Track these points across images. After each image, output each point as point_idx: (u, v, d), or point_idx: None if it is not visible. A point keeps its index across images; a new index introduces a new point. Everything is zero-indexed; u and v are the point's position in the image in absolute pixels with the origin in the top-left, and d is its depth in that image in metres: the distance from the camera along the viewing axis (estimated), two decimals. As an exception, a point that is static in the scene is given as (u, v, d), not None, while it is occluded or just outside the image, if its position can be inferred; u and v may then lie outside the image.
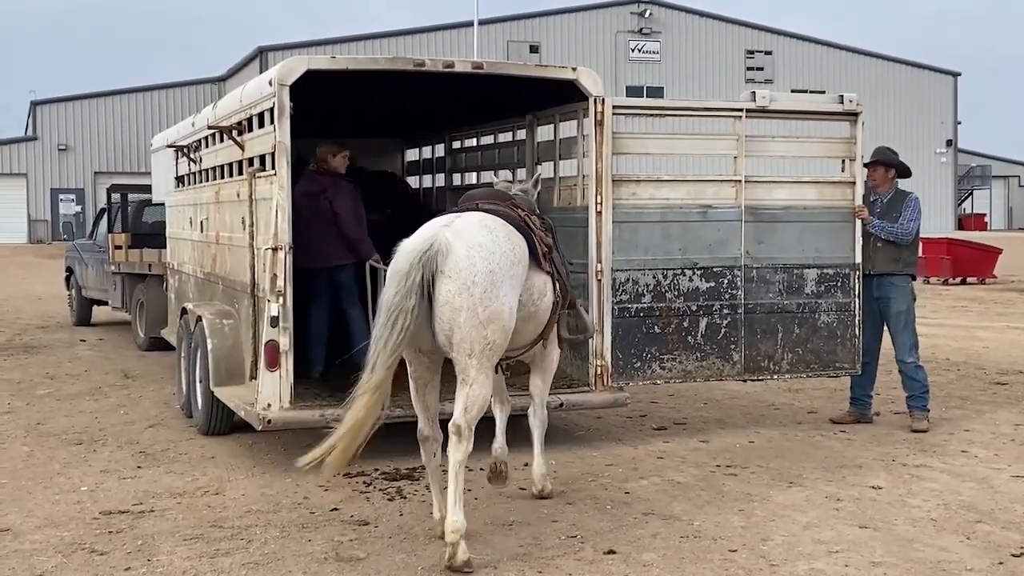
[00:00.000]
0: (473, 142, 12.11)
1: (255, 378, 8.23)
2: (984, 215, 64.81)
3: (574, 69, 8.69)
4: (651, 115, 9.90)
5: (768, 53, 56.72)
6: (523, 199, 7.25)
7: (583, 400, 8.74)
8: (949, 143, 60.36)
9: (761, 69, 56.01)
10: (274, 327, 7.92)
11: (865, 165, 9.68)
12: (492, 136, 11.44)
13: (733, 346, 9.04)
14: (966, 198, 65.46)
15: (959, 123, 61.28)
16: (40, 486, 7.77)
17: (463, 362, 6.17)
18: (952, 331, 17.33)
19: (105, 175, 48.50)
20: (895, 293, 9.65)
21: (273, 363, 7.97)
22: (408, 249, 6.15)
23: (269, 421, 7.91)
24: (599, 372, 8.72)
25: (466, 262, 6.09)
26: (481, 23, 45.55)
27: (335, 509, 7.08)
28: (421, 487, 7.55)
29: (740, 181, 9.07)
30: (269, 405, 7.98)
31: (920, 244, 9.86)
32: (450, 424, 6.14)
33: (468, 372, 6.17)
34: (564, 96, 9.07)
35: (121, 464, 8.39)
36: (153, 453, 8.78)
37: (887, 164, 9.75)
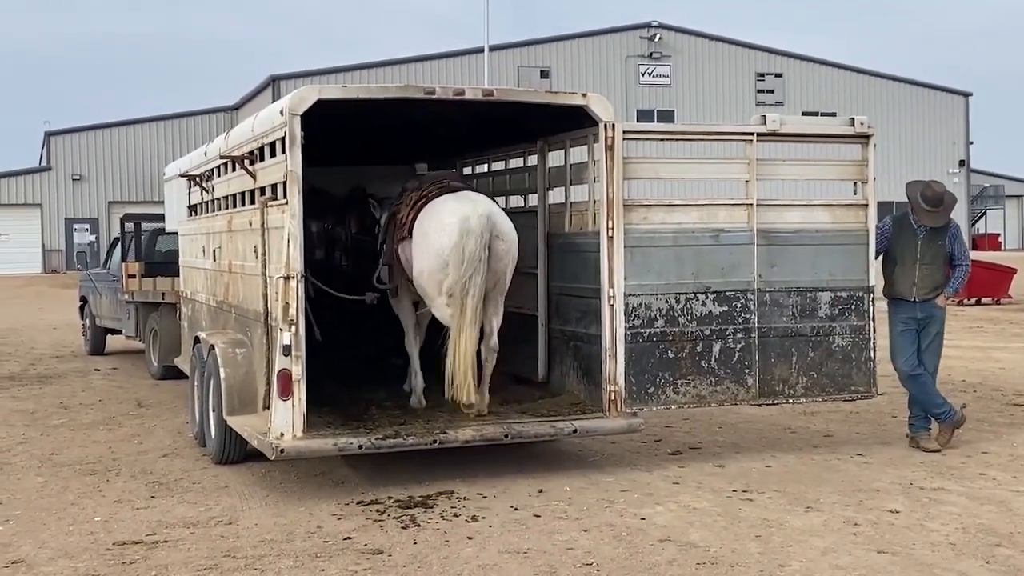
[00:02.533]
0: (484, 168, 12.13)
1: (268, 407, 8.20)
2: (998, 235, 64.60)
3: (584, 95, 8.70)
4: (662, 140, 9.89)
5: (778, 75, 56.80)
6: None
7: (596, 426, 8.70)
8: (962, 163, 60.28)
9: (772, 92, 56.06)
10: (287, 355, 7.91)
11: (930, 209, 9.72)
12: (503, 162, 11.44)
13: (747, 370, 8.99)
14: (980, 218, 65.30)
15: (971, 143, 61.22)
16: (54, 517, 7.76)
17: (498, 300, 8.93)
18: (968, 352, 17.23)
19: (119, 204, 48.65)
20: (939, 314, 9.80)
21: (286, 392, 7.95)
22: (476, 215, 8.56)
23: (282, 451, 7.87)
24: (612, 397, 8.68)
25: (506, 227, 8.83)
26: (492, 49, 45.50)
27: (348, 538, 7.03)
28: (435, 515, 7.51)
29: (752, 205, 9.04)
30: (282, 434, 7.95)
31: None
32: (492, 341, 8.98)
33: (500, 305, 8.97)
34: (575, 121, 9.07)
35: (135, 494, 8.38)
36: (167, 483, 8.76)
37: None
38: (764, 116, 9.17)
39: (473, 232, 8.45)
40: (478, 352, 8.74)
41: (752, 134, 9.11)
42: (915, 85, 60.02)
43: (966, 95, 61.30)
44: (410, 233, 9.02)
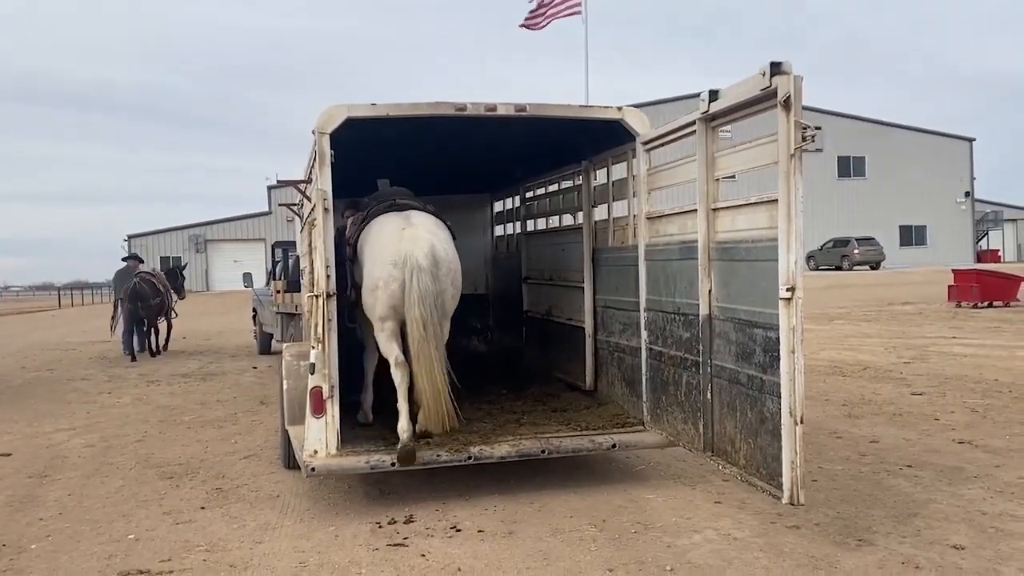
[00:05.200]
0: (531, 193, 9.67)
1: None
2: (998, 250, 58.94)
3: (619, 108, 6.30)
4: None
5: (818, 128, 52.58)
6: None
7: (636, 440, 6.25)
8: (967, 194, 55.14)
9: (812, 140, 51.87)
10: (313, 374, 5.74)
11: None
12: (543, 188, 9.02)
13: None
14: (982, 237, 59.68)
15: (974, 178, 55.94)
16: (94, 531, 5.69)
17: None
18: (994, 351, 14.06)
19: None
20: None
21: (318, 409, 5.77)
22: (422, 253, 5.97)
23: (313, 469, 5.69)
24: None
25: (443, 255, 6.10)
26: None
27: (359, 574, 4.80)
28: (456, 542, 5.20)
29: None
30: (316, 452, 5.77)
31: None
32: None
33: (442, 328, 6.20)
34: (609, 137, 6.67)
35: (189, 504, 6.27)
36: (228, 489, 6.64)
37: None
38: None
39: (424, 269, 5.90)
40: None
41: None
42: (930, 134, 55.07)
43: (970, 140, 56.04)
44: (354, 255, 6.53)
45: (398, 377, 6.08)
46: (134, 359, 16.26)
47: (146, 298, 16.23)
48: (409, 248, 5.95)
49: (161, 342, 17.36)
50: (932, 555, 4.82)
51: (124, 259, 18.14)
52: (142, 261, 18.61)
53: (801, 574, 4.58)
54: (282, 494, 6.45)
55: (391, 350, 6.12)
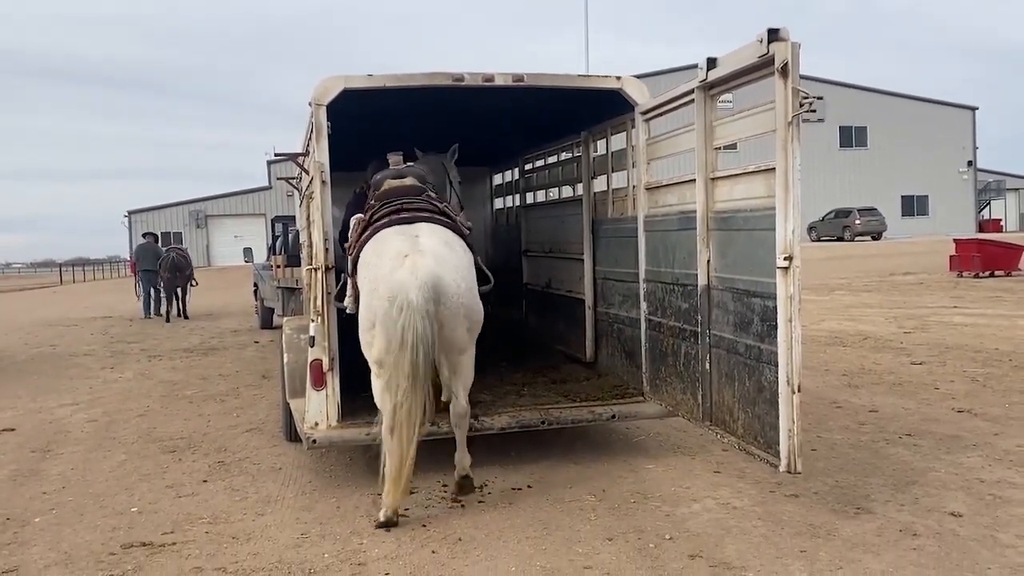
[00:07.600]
0: (529, 166, 9.61)
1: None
2: (1000, 220, 58.73)
3: (618, 78, 6.24)
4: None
5: (819, 98, 52.21)
6: (429, 177, 6.13)
7: (635, 411, 6.26)
8: (969, 163, 54.86)
9: (814, 111, 51.59)
10: (313, 346, 5.75)
11: None
12: (542, 160, 8.97)
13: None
14: (985, 207, 59.47)
15: (977, 148, 55.64)
16: (97, 504, 5.73)
17: (456, 360, 5.35)
18: (994, 320, 14.06)
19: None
20: None
21: (318, 382, 5.78)
22: (416, 286, 4.88)
23: (314, 441, 5.71)
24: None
25: (451, 287, 5.05)
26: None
27: (362, 543, 4.82)
28: (459, 515, 5.24)
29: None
30: (316, 424, 5.80)
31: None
32: (459, 405, 5.40)
33: (462, 365, 5.41)
34: (610, 107, 6.61)
35: (192, 477, 6.31)
36: (230, 463, 6.68)
37: None
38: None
39: (415, 309, 4.78)
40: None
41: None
42: (932, 103, 54.72)
43: (973, 109, 55.68)
44: (354, 268, 5.37)
45: (390, 443, 4.89)
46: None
47: (183, 268, 19.54)
48: (405, 279, 4.85)
49: (189, 308, 20.31)
50: (930, 522, 4.84)
51: (144, 235, 21.33)
52: (158, 238, 21.79)
53: (800, 542, 4.61)
54: (284, 466, 6.49)
55: (387, 403, 4.92)
